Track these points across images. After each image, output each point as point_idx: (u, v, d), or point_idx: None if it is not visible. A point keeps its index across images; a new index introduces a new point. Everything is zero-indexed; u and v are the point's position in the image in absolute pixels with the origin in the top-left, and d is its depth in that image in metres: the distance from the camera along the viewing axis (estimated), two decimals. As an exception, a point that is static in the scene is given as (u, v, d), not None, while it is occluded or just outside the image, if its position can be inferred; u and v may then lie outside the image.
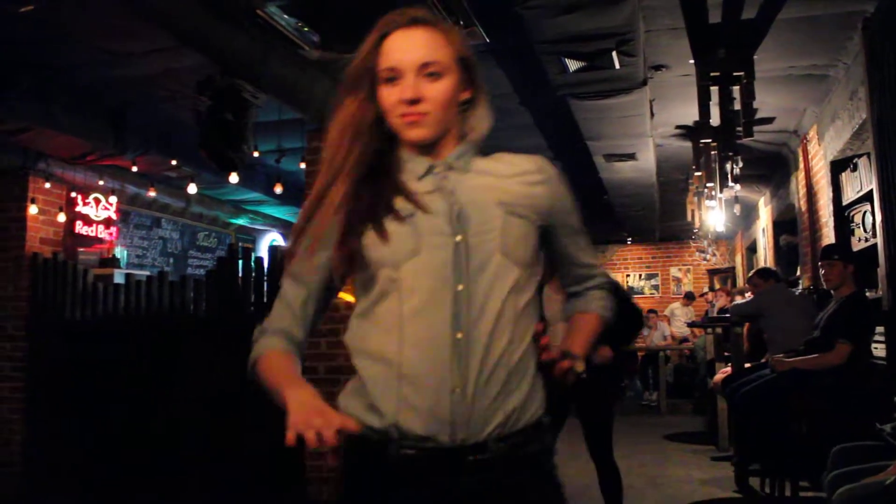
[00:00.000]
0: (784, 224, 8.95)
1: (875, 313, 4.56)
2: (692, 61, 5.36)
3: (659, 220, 12.14)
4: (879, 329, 4.63)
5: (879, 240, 4.45)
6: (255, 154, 6.46)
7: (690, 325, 10.16)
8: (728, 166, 6.01)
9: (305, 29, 4.04)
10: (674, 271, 14.97)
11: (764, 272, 6.19)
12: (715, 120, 5.72)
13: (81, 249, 7.44)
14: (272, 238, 12.02)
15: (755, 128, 5.83)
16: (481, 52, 5.02)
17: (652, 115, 6.55)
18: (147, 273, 7.10)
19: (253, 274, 5.65)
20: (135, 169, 7.07)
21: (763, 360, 5.16)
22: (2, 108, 5.22)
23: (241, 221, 11.06)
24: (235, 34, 4.00)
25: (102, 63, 5.31)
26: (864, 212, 5.53)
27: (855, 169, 5.74)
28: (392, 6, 3.87)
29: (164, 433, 5.66)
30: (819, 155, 6.61)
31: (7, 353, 6.36)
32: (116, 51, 5.11)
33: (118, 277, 6.87)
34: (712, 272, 14.45)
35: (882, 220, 4.33)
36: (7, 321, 6.38)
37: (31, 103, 5.44)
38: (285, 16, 3.91)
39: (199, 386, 5.60)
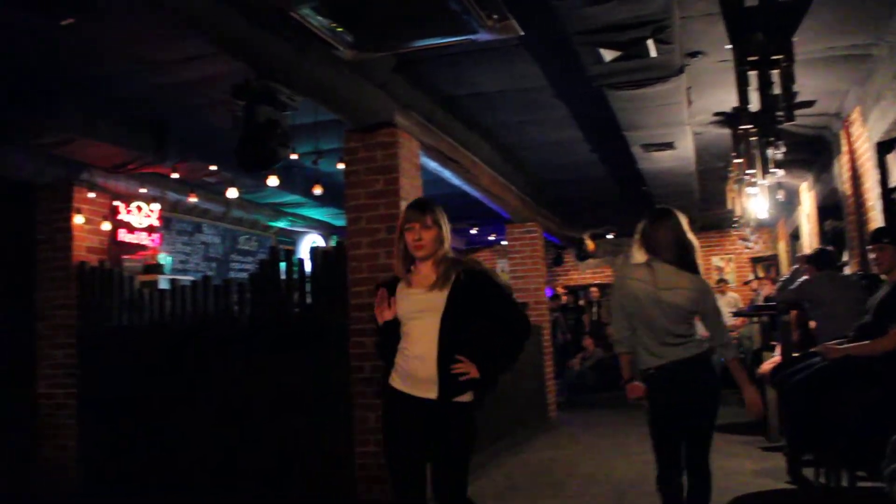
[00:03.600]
0: (828, 209, 8.78)
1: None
2: (729, 46, 5.27)
3: (699, 209, 11.98)
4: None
5: (930, 221, 4.34)
6: (293, 156, 6.51)
7: (736, 314, 10.00)
8: (769, 152, 5.91)
9: (339, 29, 4.04)
10: (715, 261, 14.76)
11: (815, 258, 6.01)
12: (754, 105, 5.63)
13: (126, 257, 7.55)
14: (312, 239, 12.09)
15: (795, 112, 5.73)
16: (514, 45, 5.00)
17: (689, 102, 6.47)
18: (191, 278, 7.18)
19: (296, 275, 5.69)
20: (175, 176, 7.16)
21: (813, 350, 5.05)
22: (46, 122, 5.31)
23: (281, 224, 11.14)
24: (270, 38, 4.02)
25: (141, 72, 5.38)
26: (913, 193, 5.41)
27: (902, 149, 5.62)
28: (420, 3, 3.85)
29: (214, 435, 5.73)
30: (863, 137, 6.47)
31: (59, 360, 6.48)
32: (155, 60, 5.17)
33: (163, 283, 6.97)
34: (755, 260, 14.24)
35: (933, 201, 4.23)
36: (58, 329, 6.50)
37: (73, 115, 5.55)
38: (319, 17, 3.91)
39: (247, 388, 5.65)
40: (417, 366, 3.03)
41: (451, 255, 3.17)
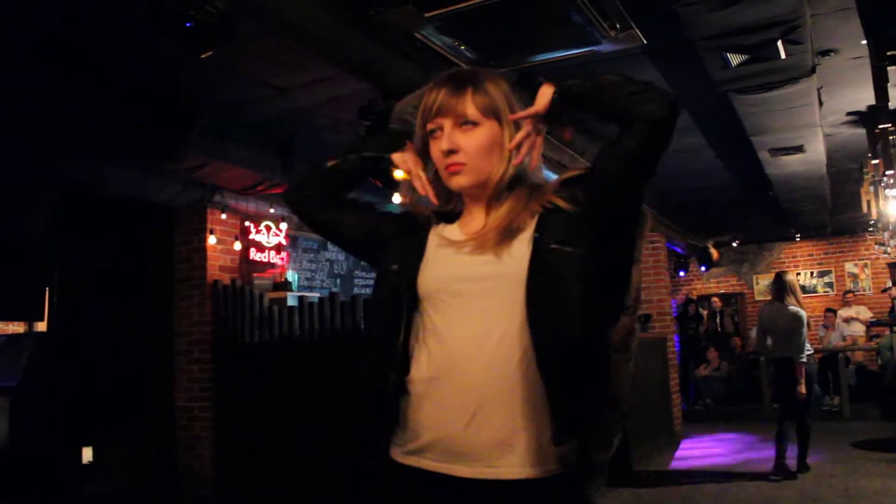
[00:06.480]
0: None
1: None
2: (864, 42, 5.05)
3: (830, 213, 11.48)
4: None
5: None
6: (414, 173, 6.62)
7: (874, 324, 9.51)
8: (910, 152, 5.62)
9: (462, 47, 4.09)
10: (849, 267, 14.05)
11: None
12: (893, 102, 5.37)
13: (256, 275, 7.83)
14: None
15: (940, 108, 5.42)
16: (634, 55, 4.93)
17: (820, 103, 6.21)
18: (317, 295, 7.38)
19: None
20: (301, 195, 7.38)
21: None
22: (184, 148, 5.59)
23: (401, 240, 11.31)
24: (395, 59, 4.11)
25: (268, 97, 5.59)
26: None
27: None
28: (542, 17, 3.83)
29: (341, 447, 5.84)
30: None
31: (195, 374, 6.77)
32: (281, 84, 5.36)
33: (291, 300, 7.18)
34: (893, 266, 13.49)
35: None
36: (194, 345, 6.80)
37: (207, 140, 5.80)
38: (441, 35, 3.98)
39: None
40: (460, 417, 1.43)
41: (537, 178, 1.64)
